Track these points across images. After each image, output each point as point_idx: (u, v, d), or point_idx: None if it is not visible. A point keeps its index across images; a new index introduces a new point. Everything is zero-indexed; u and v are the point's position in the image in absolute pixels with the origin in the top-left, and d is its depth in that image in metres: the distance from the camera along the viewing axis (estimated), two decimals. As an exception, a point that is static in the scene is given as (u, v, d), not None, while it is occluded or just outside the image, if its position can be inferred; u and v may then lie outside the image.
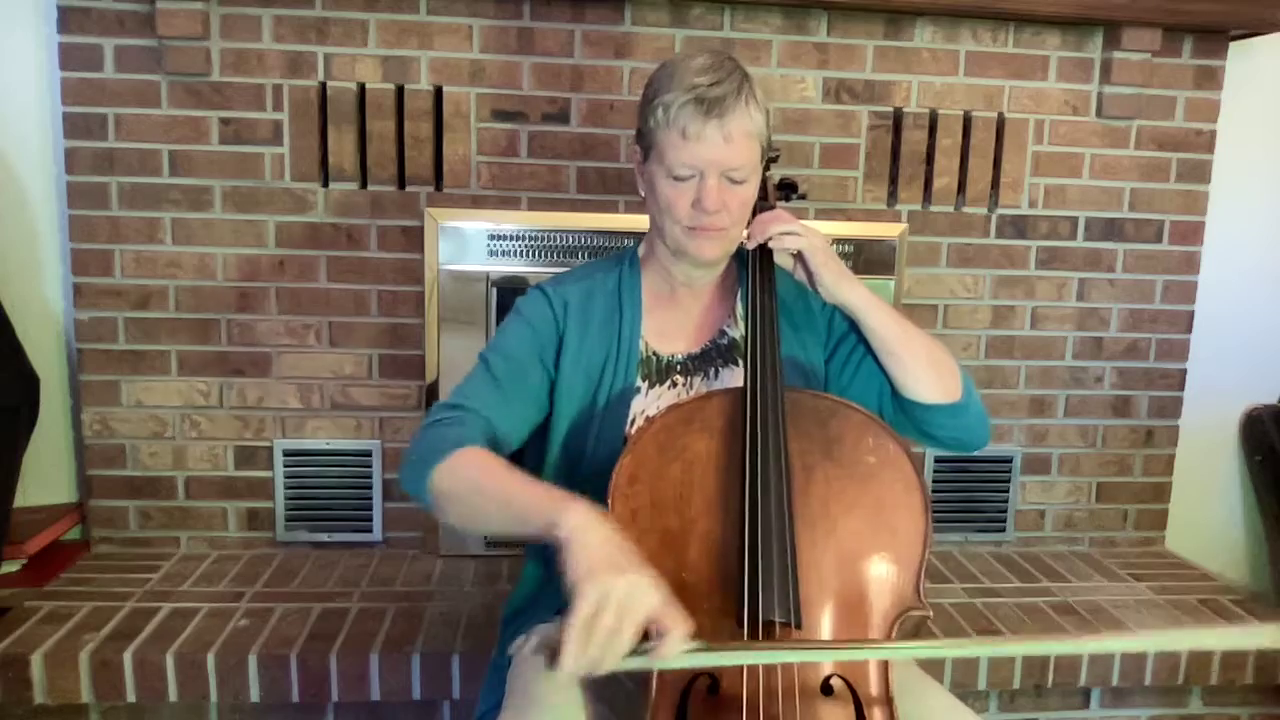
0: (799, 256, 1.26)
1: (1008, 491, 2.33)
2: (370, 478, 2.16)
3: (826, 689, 1.05)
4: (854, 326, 1.29)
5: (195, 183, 2.04)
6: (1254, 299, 2.43)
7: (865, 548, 1.12)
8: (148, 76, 2.00)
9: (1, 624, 1.78)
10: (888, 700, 1.06)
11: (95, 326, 2.06)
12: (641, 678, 1.04)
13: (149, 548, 2.14)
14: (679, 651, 0.90)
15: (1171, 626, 1.96)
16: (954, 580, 2.14)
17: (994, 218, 2.23)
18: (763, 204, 1.31)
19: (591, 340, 1.29)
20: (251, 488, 2.15)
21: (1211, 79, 2.23)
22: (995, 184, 2.22)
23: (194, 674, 1.70)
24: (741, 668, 1.03)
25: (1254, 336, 2.44)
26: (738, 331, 1.33)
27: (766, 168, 1.31)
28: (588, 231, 2.10)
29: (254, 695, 1.72)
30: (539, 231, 2.09)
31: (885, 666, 1.08)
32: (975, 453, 2.07)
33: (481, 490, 1.08)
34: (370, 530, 2.18)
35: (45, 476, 2.16)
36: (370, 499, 2.17)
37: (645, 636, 0.90)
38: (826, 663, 1.07)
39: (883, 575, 1.11)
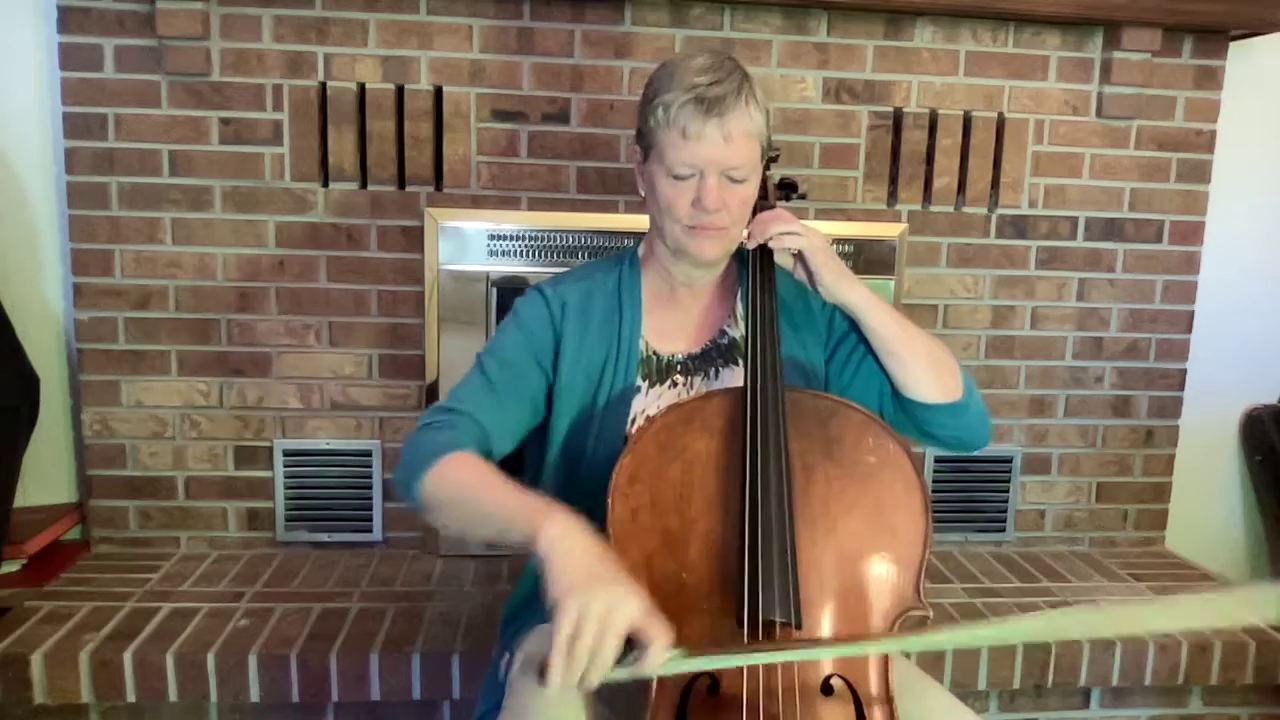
0: (799, 256, 1.26)
1: (1008, 491, 2.33)
2: (370, 478, 2.16)
3: (827, 689, 1.05)
4: (854, 326, 1.29)
5: (195, 183, 2.04)
6: (1254, 299, 2.43)
7: (865, 548, 1.12)
8: (148, 76, 2.00)
9: (1, 624, 1.78)
10: (888, 700, 1.06)
11: (95, 326, 2.06)
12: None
13: (149, 548, 2.14)
14: (663, 661, 0.90)
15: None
16: (954, 580, 2.14)
17: (994, 218, 2.24)
18: (763, 204, 1.31)
19: (591, 340, 1.29)
20: (251, 488, 2.15)
21: (1211, 79, 2.23)
22: (995, 184, 2.22)
23: (194, 674, 1.70)
24: (742, 667, 1.03)
25: (1254, 336, 2.45)
26: (738, 331, 1.33)
27: (767, 167, 1.31)
28: (588, 231, 2.10)
29: (254, 695, 1.72)
30: (539, 231, 2.09)
31: (885, 666, 1.08)
32: (975, 453, 2.07)
33: (466, 500, 1.08)
34: (370, 530, 2.18)
35: (45, 476, 2.16)
36: (370, 499, 2.17)
37: (632, 645, 0.90)
38: (827, 663, 1.07)
39: (883, 575, 1.11)
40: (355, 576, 2.05)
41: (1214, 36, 2.20)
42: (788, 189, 1.44)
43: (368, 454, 2.16)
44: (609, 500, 1.10)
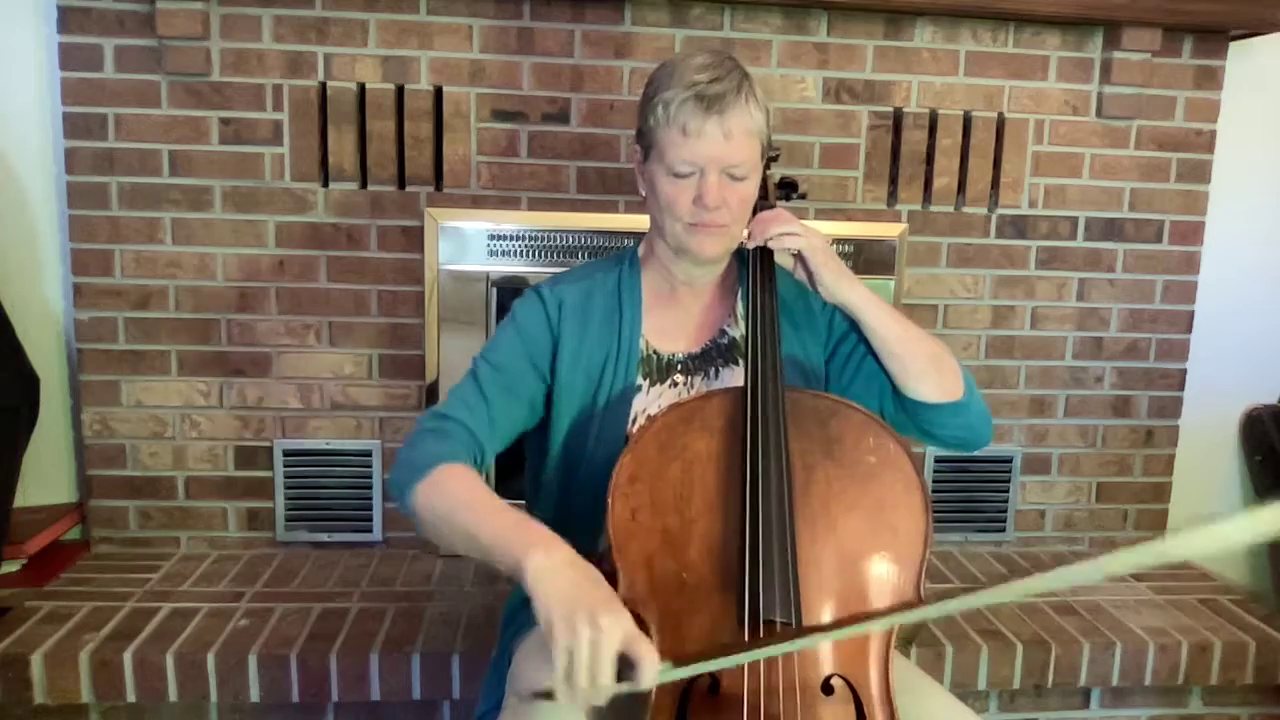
0: (799, 256, 1.26)
1: (1008, 491, 2.33)
2: (370, 478, 2.16)
3: (827, 688, 1.05)
4: (854, 326, 1.29)
5: (195, 183, 2.04)
6: (1254, 299, 2.43)
7: (866, 547, 1.12)
8: (148, 76, 2.00)
9: (1, 624, 1.78)
10: (888, 700, 1.06)
11: (95, 326, 2.06)
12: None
13: (149, 548, 2.14)
14: (656, 674, 0.92)
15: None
16: (954, 580, 2.14)
17: (994, 218, 2.23)
18: (763, 203, 1.32)
19: (591, 340, 1.29)
20: (251, 488, 2.15)
21: (1211, 79, 2.23)
22: (995, 184, 2.22)
23: (194, 674, 1.70)
24: (742, 667, 1.03)
25: (1254, 336, 2.44)
26: (738, 331, 1.33)
27: (767, 167, 1.32)
28: (588, 231, 2.10)
29: (254, 695, 1.72)
30: (539, 231, 2.09)
31: (885, 666, 1.08)
32: (975, 452, 2.07)
33: (453, 522, 1.08)
34: (370, 530, 2.18)
35: (45, 476, 2.16)
36: (370, 499, 2.17)
37: (628, 662, 0.92)
38: (827, 662, 1.07)
39: (883, 575, 1.11)
40: (355, 576, 2.05)
41: (1214, 36, 2.20)
42: (788, 189, 1.44)
43: (368, 454, 2.16)
44: (609, 499, 1.10)
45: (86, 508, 2.15)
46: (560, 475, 1.30)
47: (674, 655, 0.94)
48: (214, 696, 1.72)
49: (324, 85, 2.04)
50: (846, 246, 2.15)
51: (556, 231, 2.09)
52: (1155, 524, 2.39)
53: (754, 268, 1.27)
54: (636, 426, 1.25)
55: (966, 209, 2.22)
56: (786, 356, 1.27)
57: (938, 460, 2.28)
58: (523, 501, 1.39)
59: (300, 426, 2.14)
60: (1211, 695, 2.00)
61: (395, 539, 2.20)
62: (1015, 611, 1.99)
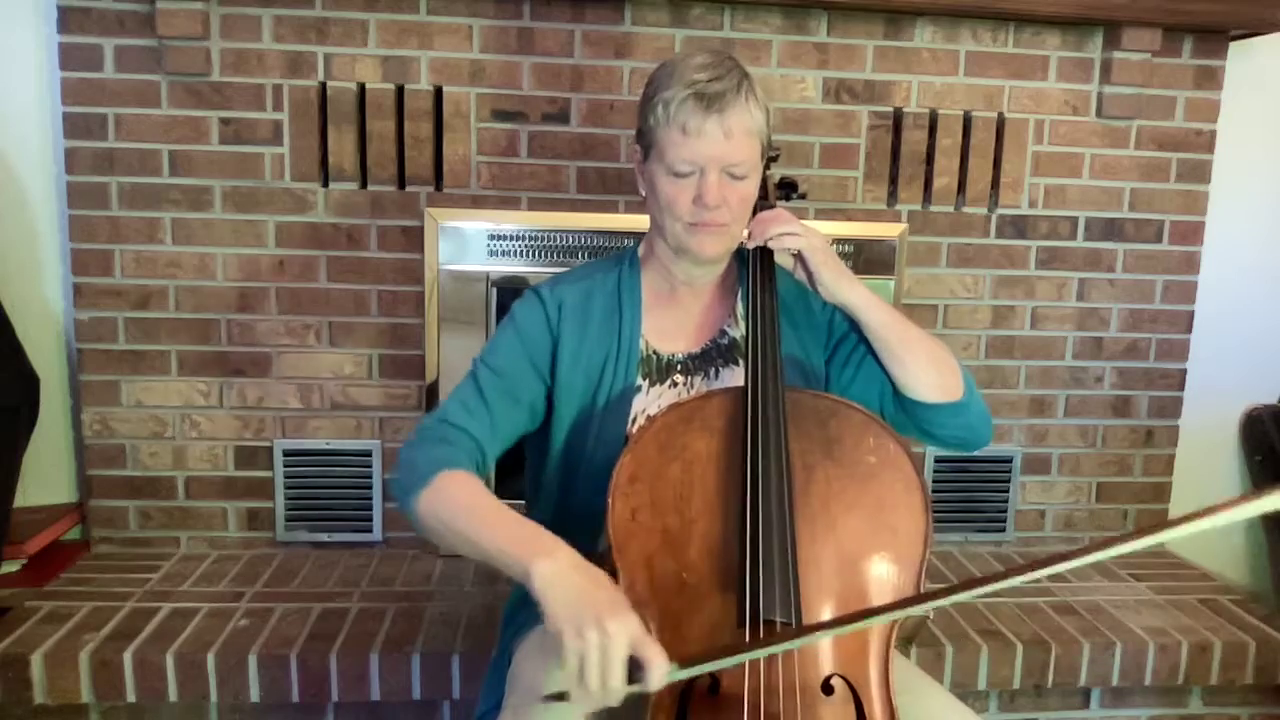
0: (799, 256, 1.26)
1: (1008, 491, 2.33)
2: (370, 478, 2.16)
3: (827, 688, 1.05)
4: (854, 326, 1.29)
5: (195, 183, 2.04)
6: (1254, 299, 2.43)
7: (865, 547, 1.12)
8: (148, 76, 2.00)
9: (1, 624, 1.78)
10: (888, 699, 1.06)
11: (95, 326, 2.06)
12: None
13: (149, 548, 2.14)
14: (665, 675, 0.93)
15: (1169, 623, 1.96)
16: (954, 580, 2.14)
17: (994, 218, 2.24)
18: (763, 203, 1.32)
19: (591, 340, 1.28)
20: (251, 488, 2.15)
21: (1211, 79, 2.23)
22: (995, 184, 2.22)
23: (194, 674, 1.70)
24: (742, 667, 1.03)
25: (1254, 336, 2.44)
26: (738, 331, 1.33)
27: (767, 167, 1.31)
28: (588, 231, 2.10)
29: (254, 695, 1.72)
30: (539, 231, 2.09)
31: (885, 666, 1.08)
32: (975, 452, 2.07)
33: (457, 529, 1.08)
34: (370, 530, 2.18)
35: (45, 476, 2.16)
36: (370, 499, 2.17)
37: (637, 663, 0.93)
38: (827, 662, 1.07)
39: (883, 575, 1.11)
40: (355, 576, 2.05)
41: (1214, 36, 2.20)
42: (788, 189, 1.44)
43: (368, 454, 2.16)
44: (609, 499, 1.10)
45: (86, 508, 2.15)
46: (560, 475, 1.30)
47: (674, 655, 0.94)
48: (214, 696, 1.72)
49: (324, 85, 2.04)
50: (846, 246, 2.15)
51: (556, 231, 2.09)
52: (1154, 523, 2.38)
53: (754, 268, 1.27)
54: (636, 427, 1.25)
55: (966, 209, 2.22)
56: (786, 356, 1.26)
57: (938, 460, 2.28)
58: (522, 501, 1.39)
59: (300, 426, 2.14)
60: (1211, 695, 1.99)
61: (395, 539, 2.20)
62: (1015, 611, 1.99)
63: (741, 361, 1.30)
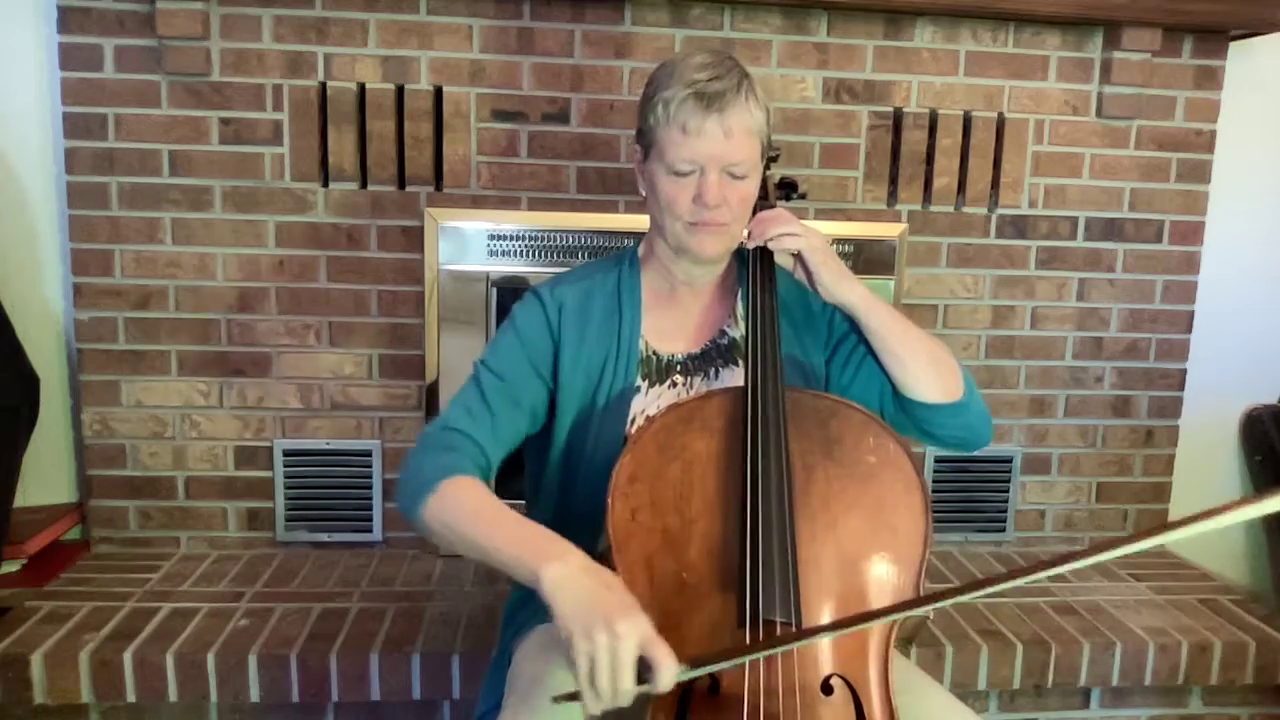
0: (798, 256, 1.26)
1: (1008, 491, 2.33)
2: (370, 478, 2.16)
3: (827, 688, 1.05)
4: (854, 326, 1.29)
5: (195, 183, 2.04)
6: (1254, 299, 2.43)
7: (865, 547, 1.12)
8: (148, 76, 2.00)
9: (1, 624, 1.78)
10: (888, 700, 1.06)
11: (95, 326, 2.06)
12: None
13: (149, 548, 2.14)
14: (674, 676, 0.93)
15: (1170, 623, 1.96)
16: (954, 580, 2.14)
17: (994, 218, 2.24)
18: (763, 203, 1.31)
19: (591, 340, 1.28)
20: (251, 488, 2.15)
21: (1211, 79, 2.23)
22: (995, 184, 2.22)
23: (194, 674, 1.70)
24: (742, 668, 1.03)
25: (1254, 336, 2.44)
26: (738, 331, 1.33)
27: (767, 167, 1.31)
28: (588, 231, 2.10)
29: (254, 695, 1.72)
30: (539, 231, 2.09)
31: (885, 666, 1.08)
32: (975, 452, 2.07)
33: (464, 535, 1.08)
34: (370, 530, 2.18)
35: (45, 476, 2.16)
36: (370, 499, 2.17)
37: (646, 664, 0.93)
38: (827, 663, 1.07)
39: (883, 575, 1.11)
40: (355, 576, 2.05)
41: (1214, 36, 2.20)
42: (788, 189, 1.44)
43: (368, 454, 2.16)
44: (609, 500, 1.10)
45: (86, 508, 2.15)
46: (560, 476, 1.30)
47: (675, 655, 0.94)
48: (214, 696, 1.72)
49: (324, 85, 2.04)
50: (846, 246, 2.15)
51: (556, 231, 2.09)
52: (1155, 524, 2.39)
53: (754, 268, 1.27)
54: (635, 427, 1.25)
55: (966, 209, 2.22)
56: (786, 356, 1.26)
57: (938, 460, 2.28)
58: (522, 502, 1.39)
59: (300, 426, 2.14)
60: (1211, 695, 1.99)
61: (395, 539, 2.20)
62: (1015, 611, 1.99)
63: (741, 362, 1.30)
